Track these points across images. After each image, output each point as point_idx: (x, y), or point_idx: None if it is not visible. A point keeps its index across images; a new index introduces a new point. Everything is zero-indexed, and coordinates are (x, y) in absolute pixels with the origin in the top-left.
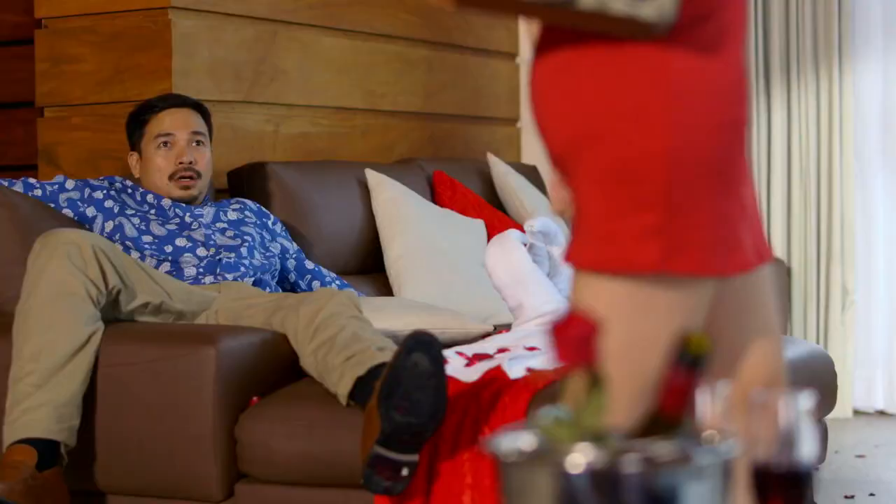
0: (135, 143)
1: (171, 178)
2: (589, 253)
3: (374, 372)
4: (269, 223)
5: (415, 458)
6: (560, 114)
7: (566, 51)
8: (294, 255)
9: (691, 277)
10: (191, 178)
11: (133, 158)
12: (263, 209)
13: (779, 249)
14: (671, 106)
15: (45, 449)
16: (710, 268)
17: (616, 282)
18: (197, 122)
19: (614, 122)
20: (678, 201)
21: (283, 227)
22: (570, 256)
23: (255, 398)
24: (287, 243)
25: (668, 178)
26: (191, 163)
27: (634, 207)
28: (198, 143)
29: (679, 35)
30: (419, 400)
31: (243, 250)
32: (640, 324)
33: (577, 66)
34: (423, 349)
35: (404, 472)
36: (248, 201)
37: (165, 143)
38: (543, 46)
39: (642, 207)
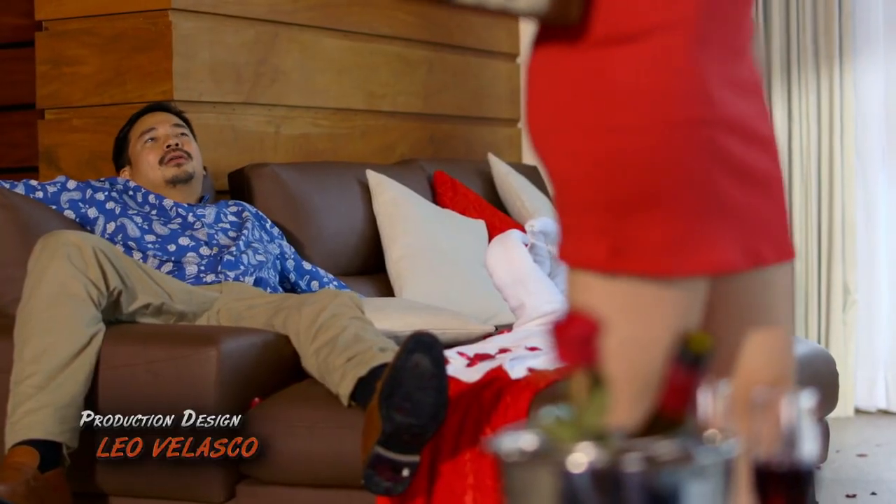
0: (123, 158)
1: (161, 162)
2: (564, 248)
3: (376, 372)
4: (267, 226)
5: (416, 458)
6: (528, 114)
7: (540, 52)
8: (292, 257)
9: (641, 278)
10: (180, 157)
11: (125, 172)
12: (260, 213)
13: None
14: (606, 110)
15: (47, 450)
16: (663, 268)
17: (600, 278)
18: (178, 120)
19: (559, 125)
20: (620, 202)
21: (280, 232)
22: (559, 253)
23: (256, 399)
24: (284, 246)
25: (606, 180)
26: (177, 145)
27: (582, 209)
28: (181, 134)
29: (625, 42)
30: (420, 400)
31: (243, 246)
32: (626, 322)
33: (542, 69)
34: (424, 350)
35: (405, 472)
36: (245, 203)
37: (151, 139)
38: (532, 47)
39: (587, 209)
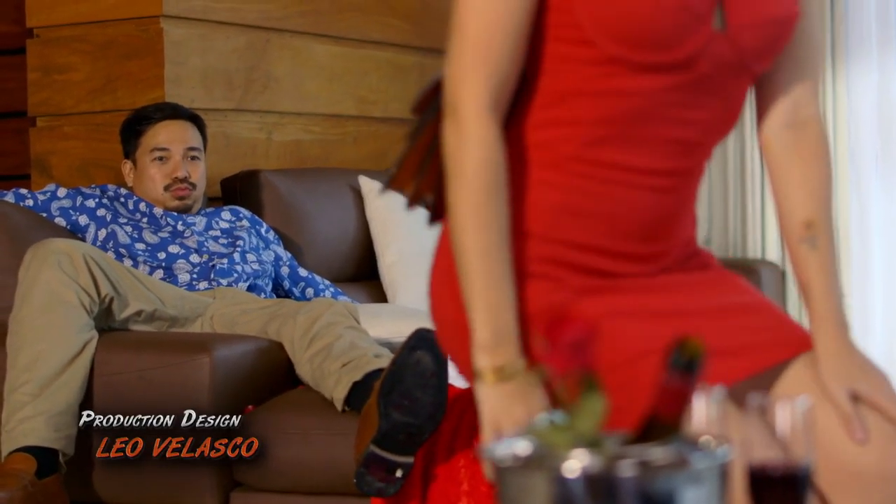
0: (129, 151)
1: (165, 189)
2: None
3: (371, 377)
4: (263, 231)
5: (410, 459)
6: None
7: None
8: (287, 263)
9: None
10: (185, 190)
11: (127, 167)
12: (256, 217)
13: (774, 254)
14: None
15: (44, 457)
16: None
17: None
18: (192, 135)
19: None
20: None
21: (276, 236)
22: None
23: (249, 406)
24: (280, 251)
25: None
26: (185, 177)
27: None
28: (192, 157)
29: None
30: (419, 399)
31: (236, 256)
32: None
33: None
34: (426, 347)
35: (398, 473)
36: (241, 209)
37: (161, 158)
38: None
39: None
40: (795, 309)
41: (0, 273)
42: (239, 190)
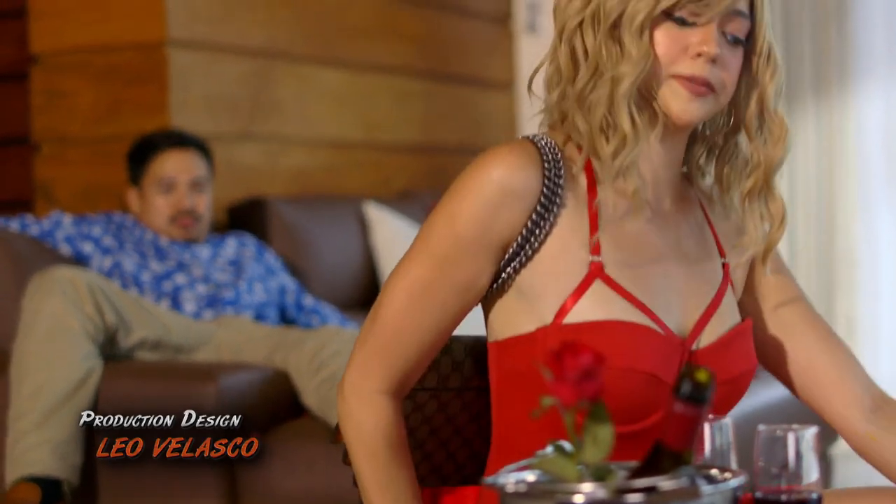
0: (135, 178)
1: (171, 220)
2: None
3: None
4: (268, 258)
5: None
6: None
7: None
8: (293, 291)
9: None
10: (190, 223)
11: (133, 194)
12: (262, 244)
13: None
14: None
15: (48, 486)
16: None
17: None
18: (199, 165)
19: None
20: None
21: (282, 263)
22: None
23: (255, 436)
24: (286, 278)
25: None
26: (191, 210)
27: None
28: (198, 187)
29: None
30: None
31: (242, 285)
32: None
33: None
34: None
35: None
36: (246, 235)
37: (167, 188)
38: None
39: None
40: None
41: (4, 301)
42: (245, 218)
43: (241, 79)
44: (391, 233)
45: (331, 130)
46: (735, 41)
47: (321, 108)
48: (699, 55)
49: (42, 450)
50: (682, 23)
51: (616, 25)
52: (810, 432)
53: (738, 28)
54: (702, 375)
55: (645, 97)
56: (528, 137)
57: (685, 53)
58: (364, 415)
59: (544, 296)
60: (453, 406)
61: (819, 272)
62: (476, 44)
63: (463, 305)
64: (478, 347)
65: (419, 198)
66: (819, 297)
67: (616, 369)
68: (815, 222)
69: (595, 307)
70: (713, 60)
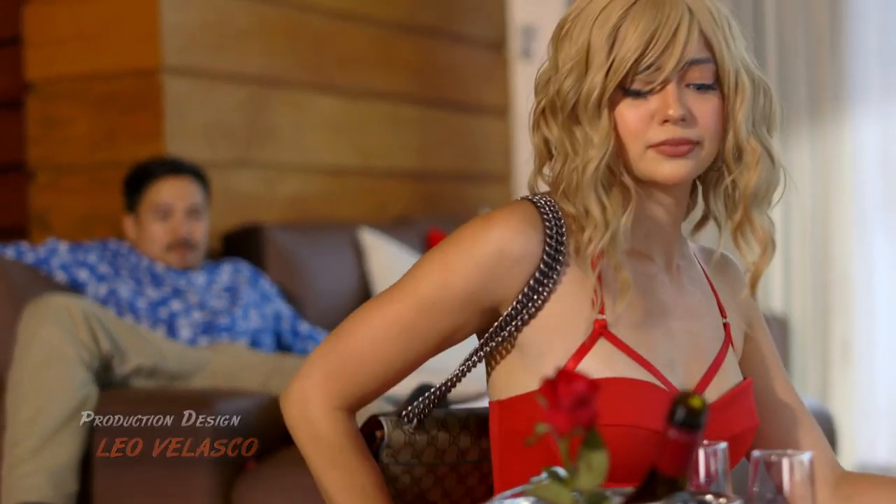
0: (131, 205)
1: (167, 248)
2: None
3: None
4: (264, 285)
5: None
6: None
7: None
8: (289, 317)
9: None
10: (187, 250)
11: (129, 221)
12: (257, 271)
13: (777, 303)
14: None
15: None
16: None
17: None
18: (195, 192)
19: None
20: None
21: (277, 290)
22: None
23: (251, 463)
24: (281, 305)
25: None
26: (187, 238)
27: None
28: (195, 215)
29: None
30: None
31: (238, 312)
32: None
33: None
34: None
35: None
36: (242, 262)
37: (163, 215)
38: None
39: None
40: (800, 360)
41: (0, 328)
42: (241, 245)
43: (237, 106)
44: (386, 259)
45: (326, 157)
46: (701, 87)
47: (317, 135)
48: (665, 121)
49: (38, 477)
50: (639, 94)
51: (574, 111)
52: (805, 458)
53: (701, 76)
54: (696, 401)
55: (617, 175)
56: (528, 198)
57: (652, 122)
58: (322, 425)
59: (548, 354)
60: (449, 480)
61: (815, 295)
62: (471, 70)
63: (436, 351)
64: (472, 420)
65: (415, 224)
66: (815, 319)
67: (621, 426)
68: (811, 246)
69: (600, 365)
70: (682, 119)
